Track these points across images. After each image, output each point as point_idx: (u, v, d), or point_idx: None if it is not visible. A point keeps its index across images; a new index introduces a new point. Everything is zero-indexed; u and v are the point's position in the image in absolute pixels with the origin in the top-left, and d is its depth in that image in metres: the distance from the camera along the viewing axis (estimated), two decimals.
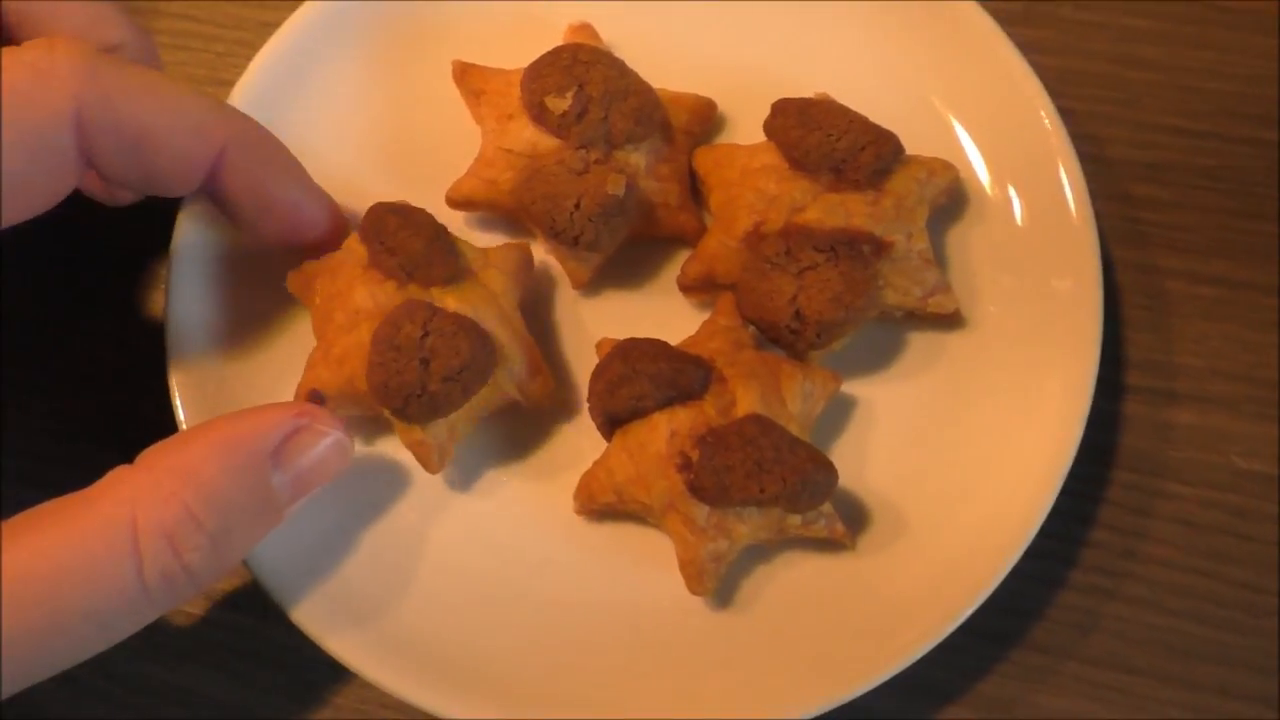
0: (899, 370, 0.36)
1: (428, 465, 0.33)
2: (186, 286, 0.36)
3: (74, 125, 0.29)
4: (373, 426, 0.35)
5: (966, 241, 0.37)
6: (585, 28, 0.38)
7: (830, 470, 0.32)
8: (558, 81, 0.35)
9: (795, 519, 0.32)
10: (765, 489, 0.31)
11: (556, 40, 0.37)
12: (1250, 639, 0.34)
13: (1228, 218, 0.39)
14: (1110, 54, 0.41)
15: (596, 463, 0.34)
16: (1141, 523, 0.36)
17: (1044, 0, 0.42)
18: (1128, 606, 0.35)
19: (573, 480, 0.34)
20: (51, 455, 0.38)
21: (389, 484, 0.35)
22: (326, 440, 0.30)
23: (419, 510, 0.35)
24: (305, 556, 0.33)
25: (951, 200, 0.37)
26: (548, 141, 0.35)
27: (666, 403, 0.32)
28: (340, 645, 0.32)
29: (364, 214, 0.34)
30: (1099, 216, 0.36)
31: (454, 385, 0.32)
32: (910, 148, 0.35)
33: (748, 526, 0.32)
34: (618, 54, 0.37)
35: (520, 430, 0.36)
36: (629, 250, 0.37)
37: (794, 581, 0.34)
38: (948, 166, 0.36)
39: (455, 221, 0.37)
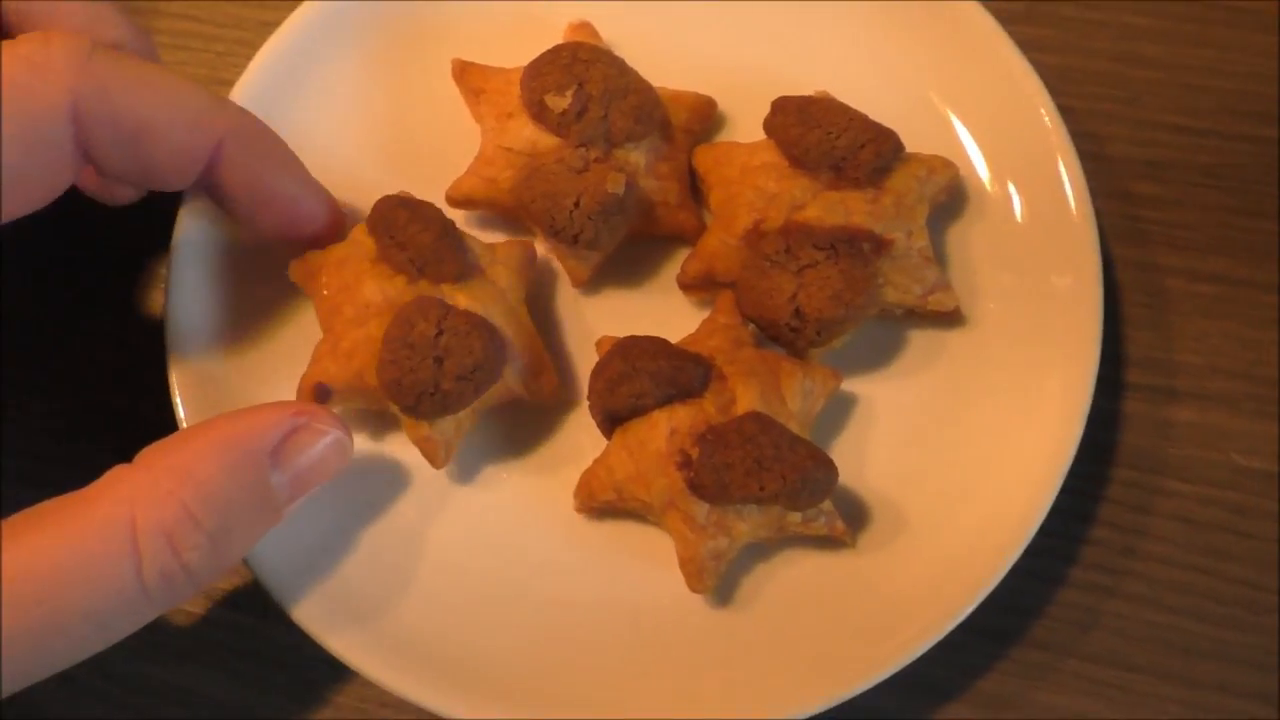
0: (899, 368, 0.36)
1: (434, 461, 0.33)
2: (186, 284, 0.36)
3: (71, 118, 0.28)
4: (377, 421, 0.35)
5: (966, 239, 0.37)
6: (585, 26, 0.38)
7: (830, 468, 0.32)
8: (557, 80, 0.35)
9: (795, 517, 0.32)
10: (765, 487, 0.31)
11: (556, 39, 0.37)
12: (1250, 636, 0.34)
13: (1228, 215, 0.39)
14: (1111, 52, 0.41)
15: (596, 460, 0.34)
16: (1141, 520, 0.36)
17: None
18: (1128, 604, 0.35)
19: (573, 478, 0.34)
20: (51, 455, 0.38)
21: (388, 482, 0.35)
22: (326, 439, 0.30)
23: (418, 508, 0.35)
24: (305, 555, 0.33)
25: (951, 198, 0.37)
26: (547, 140, 0.35)
27: (666, 400, 0.32)
28: (340, 644, 0.32)
29: (372, 207, 0.34)
30: (1099, 214, 0.36)
31: (466, 384, 0.32)
32: (910, 145, 0.35)
33: (748, 524, 0.32)
34: (617, 52, 0.37)
35: (520, 428, 0.36)
36: (629, 248, 0.37)
37: (794, 579, 0.34)
38: (948, 164, 0.36)
39: (456, 220, 0.37)
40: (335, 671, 0.34)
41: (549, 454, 0.36)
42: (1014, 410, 0.34)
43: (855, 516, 0.34)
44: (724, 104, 0.39)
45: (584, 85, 0.35)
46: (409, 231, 0.33)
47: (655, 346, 0.33)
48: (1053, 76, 0.37)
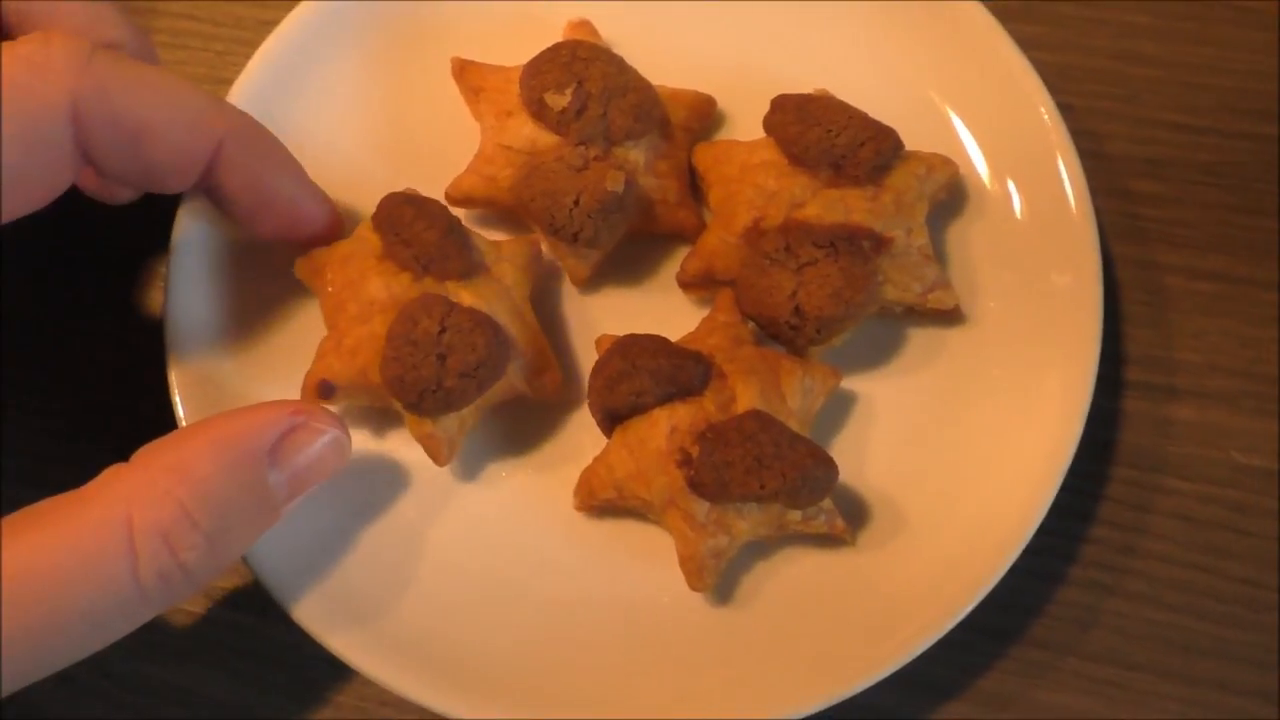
0: (899, 366, 0.36)
1: (437, 458, 0.33)
2: (186, 284, 0.36)
3: (70, 118, 0.28)
4: (377, 419, 0.35)
5: (966, 237, 0.37)
6: (584, 24, 0.38)
7: (830, 466, 0.32)
8: (557, 78, 0.35)
9: (795, 515, 0.32)
10: (765, 485, 0.31)
11: (555, 38, 0.37)
12: (1250, 634, 0.34)
13: (1227, 213, 0.39)
14: (1110, 50, 0.41)
15: (596, 459, 0.34)
16: (1141, 518, 0.36)
17: None
18: (1127, 602, 0.35)
19: (573, 476, 0.34)
20: (51, 455, 0.38)
21: (388, 481, 0.35)
22: (324, 438, 0.30)
23: (418, 507, 0.35)
24: (304, 554, 0.33)
25: (951, 196, 0.37)
26: (547, 138, 0.35)
27: (666, 399, 0.32)
28: (340, 643, 0.32)
29: (378, 203, 0.34)
30: (1098, 212, 0.36)
31: (469, 381, 0.32)
32: (910, 143, 0.35)
33: (748, 522, 0.32)
34: (617, 51, 0.37)
35: (520, 427, 0.36)
36: (628, 247, 0.37)
37: (794, 578, 0.34)
38: (947, 162, 0.36)
39: (461, 217, 0.37)
40: (335, 670, 0.34)
41: (549, 452, 0.36)
42: (1014, 408, 0.34)
43: (855, 515, 0.34)
44: (723, 102, 0.39)
45: (583, 83, 0.35)
46: (414, 228, 0.33)
47: (655, 345, 0.33)
48: (1052, 74, 0.37)
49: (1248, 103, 0.40)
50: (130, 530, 0.26)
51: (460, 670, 0.32)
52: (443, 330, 0.32)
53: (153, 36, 0.39)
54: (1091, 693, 0.34)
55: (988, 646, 0.35)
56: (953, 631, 0.32)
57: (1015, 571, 0.32)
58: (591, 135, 0.35)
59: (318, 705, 0.35)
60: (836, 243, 0.34)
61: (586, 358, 0.36)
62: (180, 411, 0.34)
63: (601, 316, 0.37)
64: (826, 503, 0.33)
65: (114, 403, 0.38)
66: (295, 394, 0.34)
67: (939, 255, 0.36)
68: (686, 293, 0.37)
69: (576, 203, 0.34)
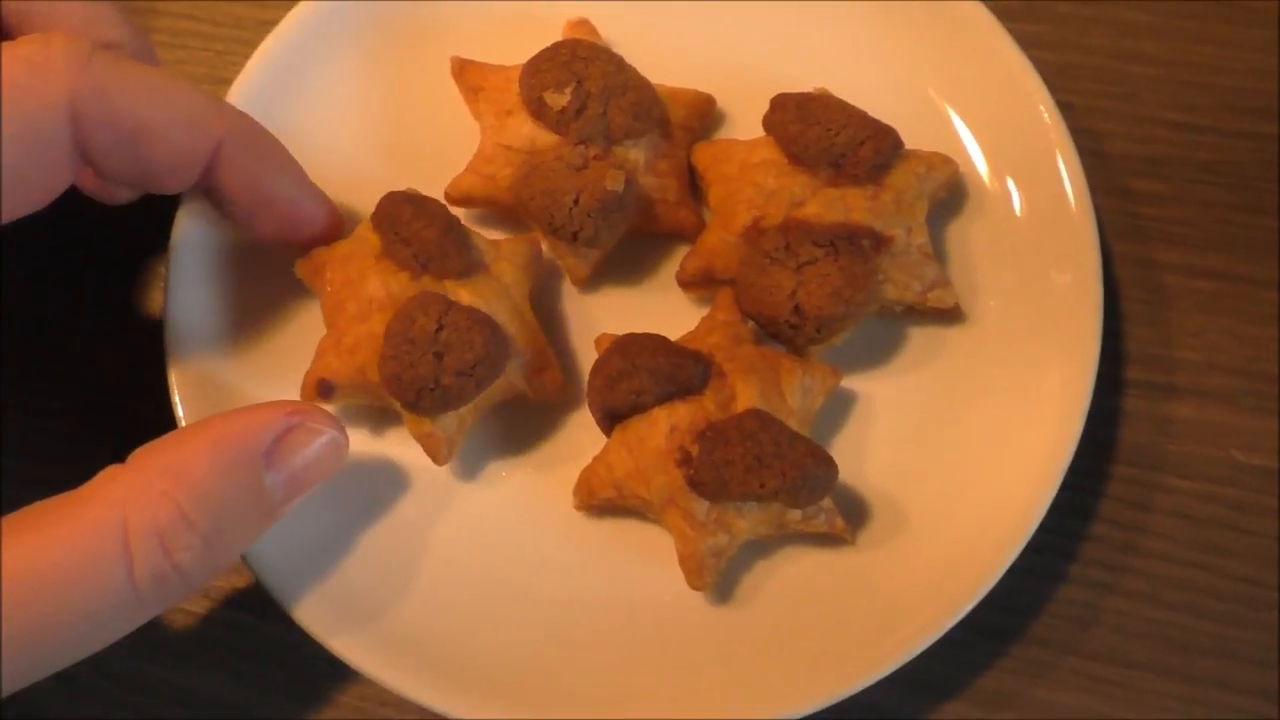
0: (899, 365, 0.36)
1: (436, 457, 0.33)
2: (185, 285, 0.36)
3: (69, 119, 0.28)
4: (377, 418, 0.35)
5: (966, 236, 0.37)
6: (583, 24, 0.38)
7: (830, 465, 0.32)
8: (556, 77, 0.35)
9: (795, 514, 0.32)
10: (765, 484, 0.31)
11: (555, 37, 0.37)
12: (1250, 633, 0.34)
13: (1227, 212, 0.39)
14: (1109, 49, 0.41)
15: (596, 458, 0.34)
16: (1141, 517, 0.36)
17: None
18: (1127, 601, 0.35)
19: (572, 476, 0.34)
20: (51, 455, 0.38)
21: (387, 481, 0.35)
22: (321, 439, 0.30)
23: (418, 507, 0.35)
24: (304, 555, 0.33)
25: (951, 195, 0.37)
26: (546, 137, 0.35)
27: (666, 398, 0.32)
28: (340, 643, 0.32)
29: (377, 203, 0.34)
30: (1098, 210, 0.36)
31: (467, 380, 0.32)
32: (909, 142, 0.35)
33: (747, 521, 0.32)
34: (616, 50, 0.37)
35: (519, 426, 0.36)
36: (628, 246, 0.37)
37: (794, 577, 0.34)
38: (947, 161, 0.36)
39: (460, 216, 0.37)
40: (335, 670, 0.34)
41: (549, 452, 0.36)
42: (1013, 407, 0.34)
43: (855, 514, 0.34)
44: (723, 101, 0.39)
45: (583, 82, 0.35)
46: (413, 227, 0.33)
47: (654, 344, 0.33)
48: (1051, 73, 0.37)
49: (1247, 101, 0.40)
50: (125, 531, 0.26)
51: (460, 670, 0.33)
52: (440, 328, 0.32)
53: (152, 36, 0.39)
54: (1092, 691, 0.34)
55: (988, 645, 0.35)
56: (953, 630, 0.32)
57: (1015, 570, 0.32)
58: (591, 134, 0.35)
59: (318, 705, 0.35)
60: (836, 242, 0.34)
61: (586, 357, 0.36)
62: (180, 412, 0.34)
63: (601, 316, 0.37)
64: (826, 502, 0.33)
65: (114, 403, 0.38)
66: (296, 394, 0.34)
67: (939, 254, 0.36)
68: (686, 292, 0.37)
69: (576, 202, 0.34)
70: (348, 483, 0.34)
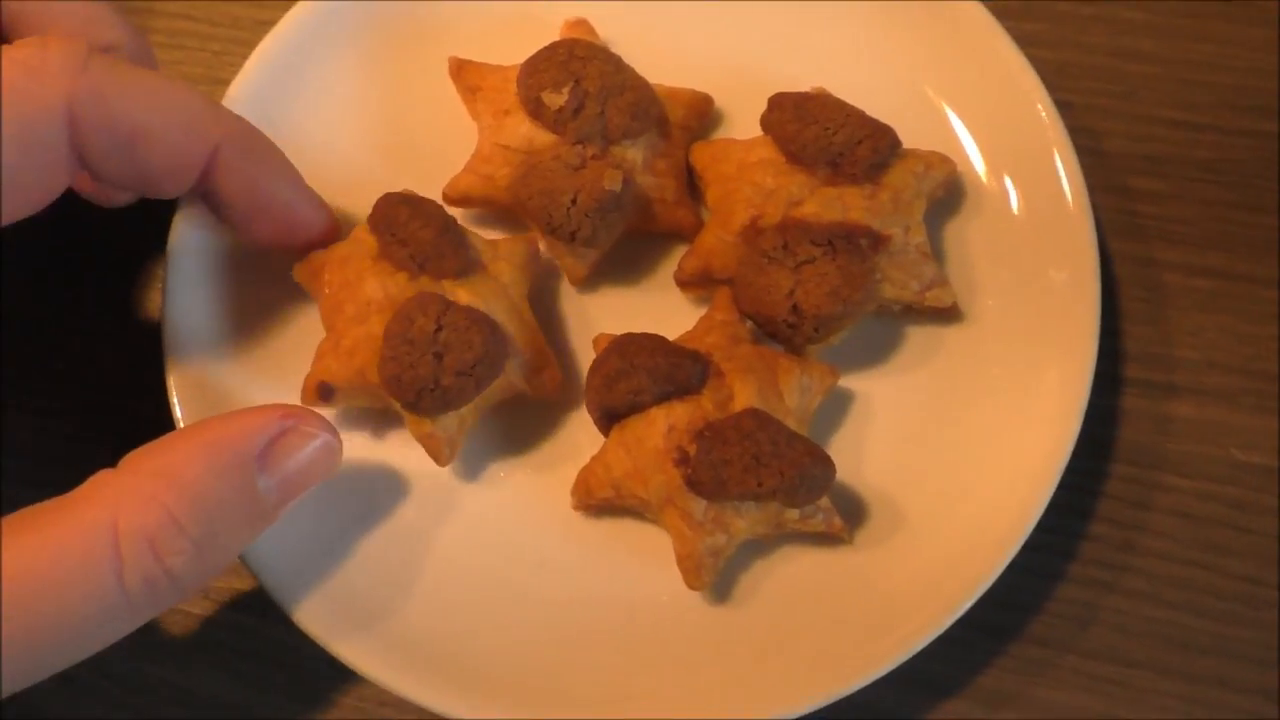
0: (897, 364, 0.36)
1: (437, 458, 0.33)
2: (183, 288, 0.36)
3: (66, 122, 0.28)
4: (375, 420, 0.35)
5: (964, 235, 0.37)
6: (581, 23, 0.38)
7: (828, 464, 0.32)
8: (554, 77, 0.35)
9: (793, 513, 0.32)
10: (763, 483, 0.31)
11: (553, 37, 0.37)
12: (1250, 631, 0.34)
13: (1226, 210, 0.39)
14: (1108, 47, 0.41)
15: (594, 458, 0.34)
16: (1140, 516, 0.36)
17: None
18: (1126, 599, 0.35)
19: (570, 476, 0.34)
20: (51, 455, 0.38)
21: (386, 482, 0.35)
22: (314, 443, 0.30)
23: (416, 508, 0.35)
24: (304, 557, 0.33)
25: (949, 194, 0.37)
26: (544, 137, 0.35)
27: (664, 397, 0.32)
28: (340, 645, 0.32)
29: (374, 204, 0.34)
30: (1096, 209, 0.36)
31: (467, 379, 0.32)
32: (907, 141, 0.35)
33: (745, 521, 0.32)
34: (614, 49, 0.37)
35: (517, 426, 0.36)
36: (626, 246, 0.37)
37: (792, 576, 0.34)
38: (945, 160, 0.36)
39: (457, 217, 0.37)
40: (335, 671, 0.34)
41: (547, 452, 0.36)
42: (1012, 406, 0.34)
43: (853, 513, 0.34)
44: (721, 101, 0.39)
45: (581, 82, 0.35)
46: (410, 228, 0.33)
47: (653, 343, 0.33)
48: (1049, 72, 0.37)
49: (1247, 99, 0.40)
50: (116, 536, 0.26)
51: (458, 670, 0.33)
52: (439, 329, 0.32)
53: (150, 37, 0.39)
54: (1091, 690, 0.34)
55: (987, 644, 0.35)
56: (951, 629, 0.32)
57: (1014, 569, 0.32)
58: (589, 134, 0.35)
59: (318, 705, 0.35)
60: (834, 241, 0.34)
61: (584, 357, 0.36)
62: (178, 413, 0.34)
63: (599, 315, 0.37)
64: (824, 501, 0.33)
65: (114, 403, 0.38)
66: (294, 397, 0.34)
67: (937, 253, 0.36)
68: (684, 291, 0.37)
69: (574, 202, 0.34)
70: (346, 484, 0.34)
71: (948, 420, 0.35)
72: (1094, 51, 0.41)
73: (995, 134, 0.37)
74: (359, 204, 0.36)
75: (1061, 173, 0.36)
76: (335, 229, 0.35)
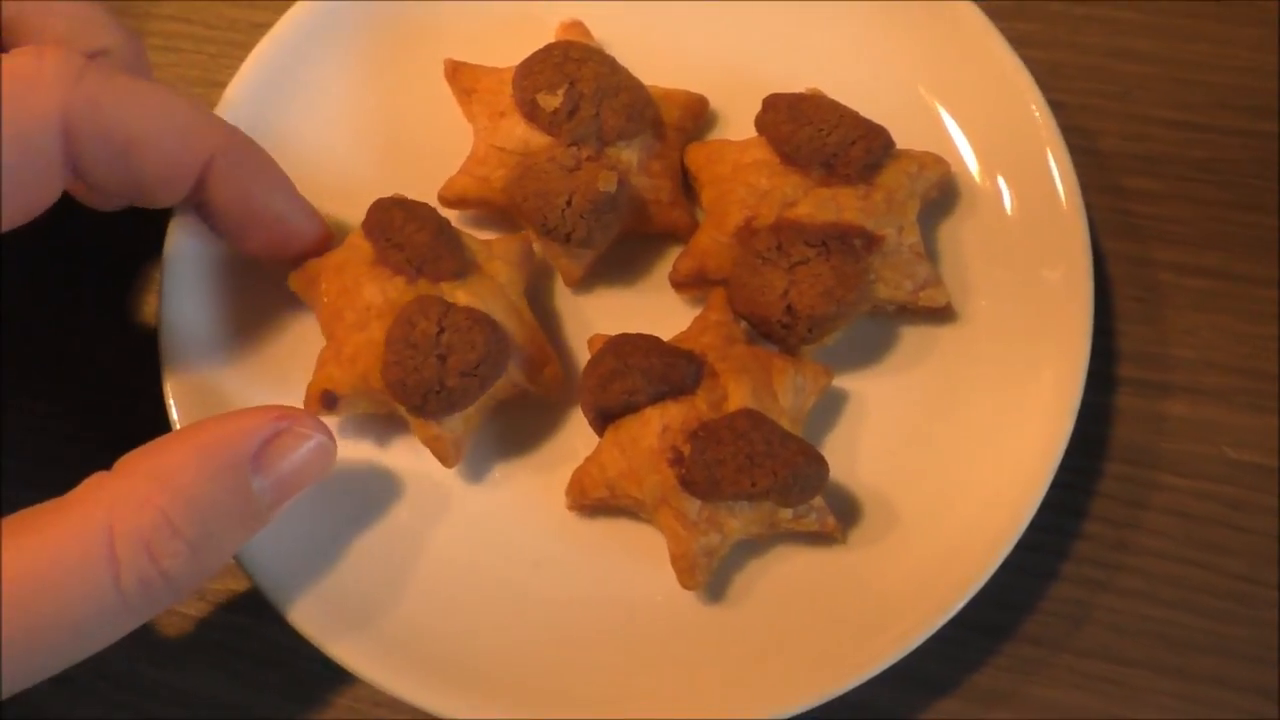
0: (890, 364, 0.36)
1: (444, 460, 0.33)
2: (179, 293, 0.36)
3: (61, 132, 0.29)
4: (373, 423, 0.35)
5: (958, 235, 0.37)
6: (576, 25, 0.38)
7: (821, 464, 0.32)
8: (549, 79, 0.35)
9: (786, 513, 0.32)
10: (757, 483, 0.31)
11: (548, 38, 0.37)
12: (1247, 630, 0.34)
13: (1221, 210, 0.39)
14: (1102, 47, 0.41)
15: (588, 458, 0.34)
16: (1135, 514, 0.36)
17: None
18: (1121, 598, 0.35)
19: (565, 476, 0.34)
20: (51, 455, 0.38)
21: (381, 484, 0.35)
22: (309, 444, 0.30)
23: (412, 509, 0.35)
24: (299, 558, 0.33)
25: (942, 194, 0.37)
26: (539, 139, 0.36)
27: (658, 397, 0.32)
28: (336, 646, 0.32)
29: (367, 210, 0.34)
30: (1091, 209, 0.36)
31: (471, 380, 0.32)
32: (901, 142, 0.36)
33: (739, 521, 0.32)
34: (609, 51, 0.37)
35: (512, 427, 0.36)
36: (621, 247, 0.37)
37: (786, 575, 0.34)
38: (938, 160, 0.36)
39: (451, 219, 0.37)
40: (331, 671, 0.34)
41: (542, 453, 0.36)
42: (1005, 405, 0.34)
43: (847, 512, 0.34)
44: (715, 102, 0.39)
45: (575, 84, 0.35)
46: (405, 231, 0.33)
47: (647, 344, 0.33)
48: (1043, 72, 0.37)
49: (1242, 99, 0.40)
50: (111, 538, 0.26)
51: (455, 671, 0.33)
52: (441, 331, 0.32)
53: (145, 39, 0.39)
54: (1086, 689, 0.34)
55: (981, 643, 0.35)
56: (946, 628, 0.32)
57: (1008, 567, 0.32)
58: (584, 136, 0.35)
59: (314, 705, 0.35)
60: (828, 241, 0.34)
61: (579, 357, 0.36)
62: (175, 415, 0.34)
63: (594, 316, 0.37)
64: (818, 501, 0.33)
65: (114, 403, 0.38)
66: (291, 399, 0.34)
67: (930, 253, 0.36)
68: (679, 292, 0.37)
69: (569, 203, 0.34)
70: (340, 485, 0.34)
71: (942, 420, 0.35)
72: (1088, 51, 0.41)
73: (989, 134, 0.37)
74: (355, 206, 0.36)
75: (1055, 173, 0.36)
76: (328, 239, 0.35)
